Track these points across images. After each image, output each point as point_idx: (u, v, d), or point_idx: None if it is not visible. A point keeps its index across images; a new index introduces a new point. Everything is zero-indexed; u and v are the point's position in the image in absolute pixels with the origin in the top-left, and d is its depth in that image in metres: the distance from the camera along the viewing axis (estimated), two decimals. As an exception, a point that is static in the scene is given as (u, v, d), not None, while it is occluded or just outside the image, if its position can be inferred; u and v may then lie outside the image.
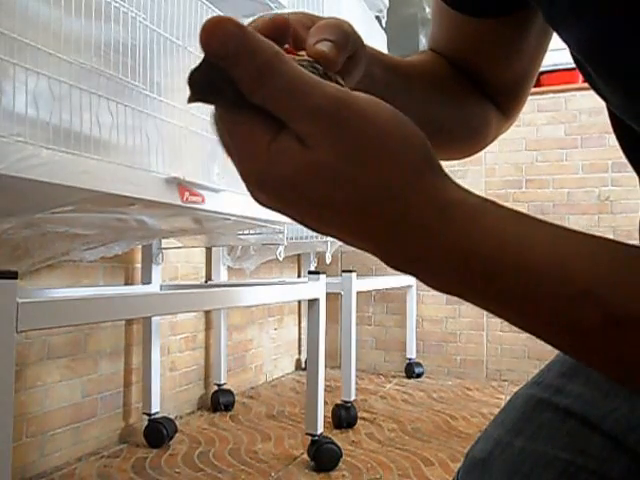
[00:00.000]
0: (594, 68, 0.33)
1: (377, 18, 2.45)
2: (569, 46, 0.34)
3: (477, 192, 0.25)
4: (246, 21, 0.32)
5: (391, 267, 0.27)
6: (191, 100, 0.25)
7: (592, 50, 0.32)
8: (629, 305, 0.24)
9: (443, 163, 0.27)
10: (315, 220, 0.26)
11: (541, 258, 0.24)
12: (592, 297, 0.24)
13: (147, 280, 1.83)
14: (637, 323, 0.24)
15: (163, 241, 1.85)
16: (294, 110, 0.24)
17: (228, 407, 2.21)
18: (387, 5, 2.53)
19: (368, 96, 0.25)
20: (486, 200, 0.26)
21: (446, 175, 0.26)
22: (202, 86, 0.25)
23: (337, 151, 0.24)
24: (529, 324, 0.26)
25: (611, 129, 0.44)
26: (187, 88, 0.25)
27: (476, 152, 0.49)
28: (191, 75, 0.25)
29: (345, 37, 0.29)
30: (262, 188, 0.26)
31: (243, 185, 0.28)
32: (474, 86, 0.47)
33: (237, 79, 0.24)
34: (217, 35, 0.23)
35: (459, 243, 0.24)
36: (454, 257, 0.25)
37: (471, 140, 0.48)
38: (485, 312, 0.26)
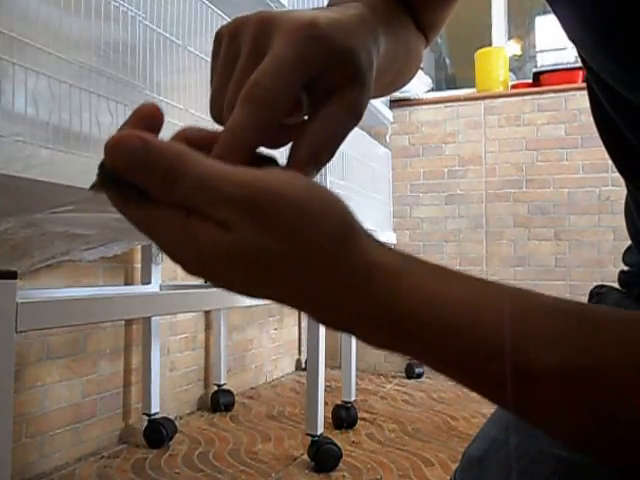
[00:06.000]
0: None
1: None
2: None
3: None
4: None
5: (326, 328, 0.28)
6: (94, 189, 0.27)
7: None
8: (542, 359, 0.24)
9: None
10: (244, 292, 0.28)
11: (455, 317, 0.25)
12: (505, 354, 0.24)
13: (147, 280, 1.83)
14: (550, 377, 0.23)
15: (163, 241, 1.84)
16: (208, 203, 0.24)
17: (228, 407, 2.21)
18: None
19: (282, 174, 0.26)
20: (407, 258, 0.27)
21: (369, 237, 0.27)
22: (106, 189, 0.26)
23: (259, 232, 0.24)
24: (455, 379, 0.27)
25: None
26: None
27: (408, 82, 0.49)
28: (92, 186, 0.27)
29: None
30: (189, 269, 0.27)
31: None
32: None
33: (145, 188, 0.25)
34: (121, 148, 0.24)
35: (385, 304, 0.25)
36: (381, 318, 0.26)
37: (411, 69, 0.47)
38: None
